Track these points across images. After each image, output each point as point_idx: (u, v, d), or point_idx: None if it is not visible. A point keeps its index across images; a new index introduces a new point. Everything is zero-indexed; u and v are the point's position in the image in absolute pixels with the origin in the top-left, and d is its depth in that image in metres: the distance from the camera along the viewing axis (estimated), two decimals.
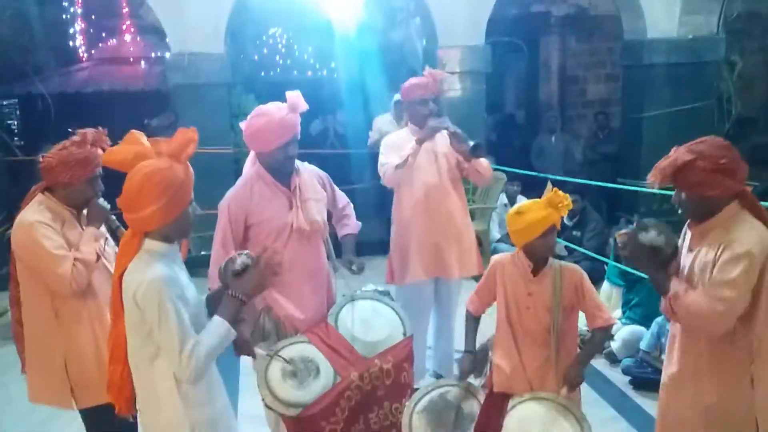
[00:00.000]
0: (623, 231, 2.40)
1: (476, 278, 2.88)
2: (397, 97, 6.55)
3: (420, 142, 3.62)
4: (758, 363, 2.13)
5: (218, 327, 2.00)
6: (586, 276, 2.65)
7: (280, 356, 2.76)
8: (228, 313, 2.03)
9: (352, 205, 3.42)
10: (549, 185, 2.64)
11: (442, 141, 3.71)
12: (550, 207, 2.51)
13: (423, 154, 3.68)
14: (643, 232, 2.31)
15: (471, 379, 2.82)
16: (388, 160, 3.68)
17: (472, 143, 3.55)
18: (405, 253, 3.79)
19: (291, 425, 2.68)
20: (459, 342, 3.91)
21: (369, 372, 2.81)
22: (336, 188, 3.34)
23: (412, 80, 3.83)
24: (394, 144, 3.75)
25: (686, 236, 2.36)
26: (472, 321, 2.88)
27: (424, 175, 3.72)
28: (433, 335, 4.04)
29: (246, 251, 2.22)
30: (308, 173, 3.12)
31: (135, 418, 2.16)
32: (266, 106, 2.93)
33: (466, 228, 3.88)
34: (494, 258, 2.81)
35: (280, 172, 2.98)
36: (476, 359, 2.81)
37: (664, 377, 2.45)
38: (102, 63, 8.94)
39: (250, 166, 3.10)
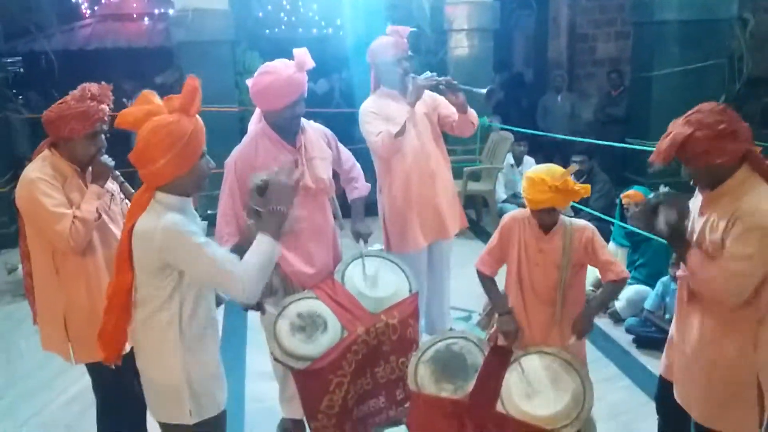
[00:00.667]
0: (635, 214, 2.40)
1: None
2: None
3: (412, 103, 3.45)
4: (763, 328, 2.14)
5: (264, 244, 2.00)
6: (596, 232, 2.65)
7: (286, 314, 2.79)
8: (271, 228, 2.03)
9: (358, 165, 3.39)
10: (572, 168, 2.52)
11: (420, 101, 3.53)
12: (554, 192, 2.49)
13: (401, 115, 3.46)
14: (654, 215, 2.30)
15: (479, 333, 2.85)
16: (381, 128, 3.44)
17: (485, 89, 3.42)
18: (403, 222, 3.64)
19: (299, 378, 2.73)
20: (454, 301, 3.98)
21: (375, 327, 2.86)
22: (342, 148, 3.31)
23: (381, 40, 3.62)
24: (380, 111, 3.52)
25: (697, 198, 2.35)
26: (490, 281, 2.81)
27: (411, 139, 3.53)
28: (426, 296, 3.87)
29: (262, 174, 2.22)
30: (314, 132, 3.11)
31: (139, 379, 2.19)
32: (273, 64, 2.88)
33: (451, 183, 3.81)
34: (507, 215, 2.80)
35: (286, 130, 2.96)
36: (484, 314, 2.86)
37: (671, 336, 2.47)
38: (105, 20, 8.83)
39: (255, 123, 3.08)
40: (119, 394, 2.61)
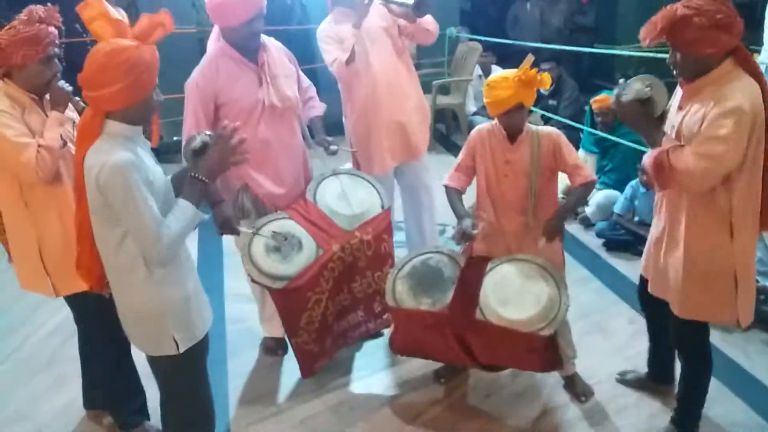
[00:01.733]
0: (612, 95, 2.34)
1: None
2: None
3: (357, 25, 3.22)
4: (737, 218, 2.17)
5: (185, 210, 1.97)
6: (563, 137, 2.64)
7: (261, 234, 2.79)
8: (193, 195, 2.00)
9: (314, 86, 3.32)
10: (528, 59, 2.50)
11: (375, 15, 3.31)
12: (518, 86, 2.46)
13: (367, 41, 3.30)
14: (625, 90, 2.26)
15: (453, 246, 2.87)
16: (334, 56, 3.26)
17: (412, 1, 3.16)
18: (367, 144, 3.47)
19: (277, 297, 2.77)
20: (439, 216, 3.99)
21: (350, 244, 2.90)
22: (299, 68, 3.22)
23: None
24: (334, 35, 3.32)
25: (676, 95, 2.33)
26: (456, 194, 2.77)
27: (369, 58, 3.33)
28: (410, 214, 3.81)
29: (207, 131, 2.17)
30: (276, 49, 3.04)
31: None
32: None
33: (419, 100, 3.57)
34: (474, 130, 2.78)
35: (246, 48, 2.88)
36: (457, 225, 2.85)
37: (650, 235, 2.50)
38: None
39: (214, 42, 2.98)
40: (102, 322, 2.60)
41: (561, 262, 2.76)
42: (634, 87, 2.26)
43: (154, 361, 2.15)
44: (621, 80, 2.37)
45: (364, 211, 3.03)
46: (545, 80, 2.50)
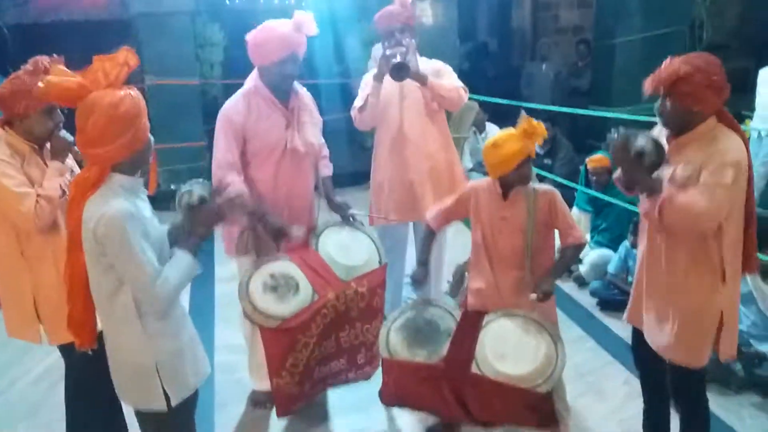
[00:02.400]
0: (615, 138, 2.38)
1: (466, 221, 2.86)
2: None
3: (378, 78, 3.30)
4: (728, 263, 2.27)
5: (182, 260, 1.97)
6: (559, 195, 2.67)
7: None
8: (189, 245, 2.01)
9: (326, 146, 3.40)
10: (522, 114, 2.59)
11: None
12: (524, 138, 2.52)
13: (394, 90, 3.39)
14: (632, 138, 2.31)
15: (448, 300, 2.89)
16: (357, 102, 3.43)
17: (392, 63, 3.15)
18: (377, 194, 3.60)
19: (268, 336, 2.79)
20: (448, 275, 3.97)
21: (345, 293, 2.93)
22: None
23: (383, 10, 3.44)
24: (366, 82, 3.45)
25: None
26: (430, 234, 2.90)
27: (393, 111, 3.44)
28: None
29: (202, 181, 2.18)
30: (307, 97, 3.18)
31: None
32: (272, 21, 2.96)
33: (448, 165, 3.53)
34: (469, 185, 2.83)
35: (279, 89, 3.01)
36: (453, 282, 2.92)
37: (639, 286, 2.54)
38: None
39: (250, 81, 3.08)
40: (93, 376, 2.57)
41: (554, 319, 2.75)
42: (640, 141, 2.29)
43: (141, 416, 2.11)
44: (613, 132, 2.43)
45: (362, 264, 3.07)
46: (543, 129, 2.56)
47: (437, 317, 2.77)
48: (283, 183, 3.06)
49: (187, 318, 2.16)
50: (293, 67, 2.97)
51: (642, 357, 2.64)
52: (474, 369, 2.52)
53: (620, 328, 4.08)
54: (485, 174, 2.77)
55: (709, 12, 7.77)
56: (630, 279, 4.35)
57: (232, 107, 3.00)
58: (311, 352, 2.86)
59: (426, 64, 3.46)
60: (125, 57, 1.91)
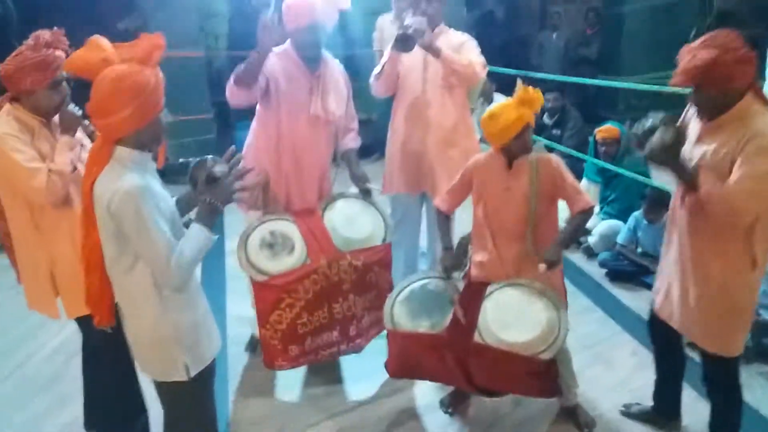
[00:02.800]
0: (636, 131, 2.36)
1: None
2: None
3: (395, 49, 3.24)
4: (759, 249, 2.24)
5: (198, 234, 1.98)
6: (562, 163, 2.66)
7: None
8: (207, 220, 2.02)
9: (357, 120, 3.46)
10: (519, 83, 2.55)
11: (442, 42, 3.30)
12: (521, 106, 2.51)
13: (414, 58, 3.33)
14: (651, 131, 2.28)
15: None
16: (376, 69, 3.42)
17: (397, 34, 3.12)
18: (390, 163, 3.62)
19: (256, 288, 2.93)
20: (425, 240, 3.99)
21: (338, 263, 3.01)
22: (351, 101, 3.39)
23: None
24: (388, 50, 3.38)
25: (691, 123, 2.38)
26: (445, 219, 2.89)
27: (411, 82, 3.44)
28: (427, 241, 3.91)
29: (213, 157, 2.18)
30: (336, 69, 3.27)
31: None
32: None
33: (462, 140, 3.48)
34: (472, 159, 2.81)
35: (306, 54, 3.10)
36: (456, 255, 2.88)
37: (664, 274, 2.52)
38: None
39: (286, 44, 3.17)
40: (110, 348, 2.60)
41: (561, 288, 2.74)
42: (661, 131, 2.24)
43: (161, 386, 2.14)
44: (633, 123, 2.40)
45: (362, 239, 3.13)
46: (541, 97, 2.54)
47: (441, 289, 2.80)
48: (301, 147, 3.15)
49: (201, 291, 2.19)
50: (318, 34, 3.05)
51: (658, 333, 2.64)
52: (476, 338, 2.55)
53: (629, 298, 4.10)
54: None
55: None
56: (639, 250, 4.37)
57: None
58: (296, 315, 2.94)
59: (450, 36, 3.44)
60: (159, 39, 1.92)
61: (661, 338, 2.65)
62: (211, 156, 2.21)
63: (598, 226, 4.73)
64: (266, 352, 3.01)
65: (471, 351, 2.56)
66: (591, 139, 5.06)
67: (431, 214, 3.72)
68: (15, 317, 4.00)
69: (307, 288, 2.93)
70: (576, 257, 4.74)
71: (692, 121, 2.38)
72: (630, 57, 7.49)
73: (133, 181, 1.87)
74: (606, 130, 4.83)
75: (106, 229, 1.93)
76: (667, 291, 2.52)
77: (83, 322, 2.60)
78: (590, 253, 4.75)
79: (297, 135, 3.13)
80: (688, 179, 2.23)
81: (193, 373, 2.07)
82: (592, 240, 4.75)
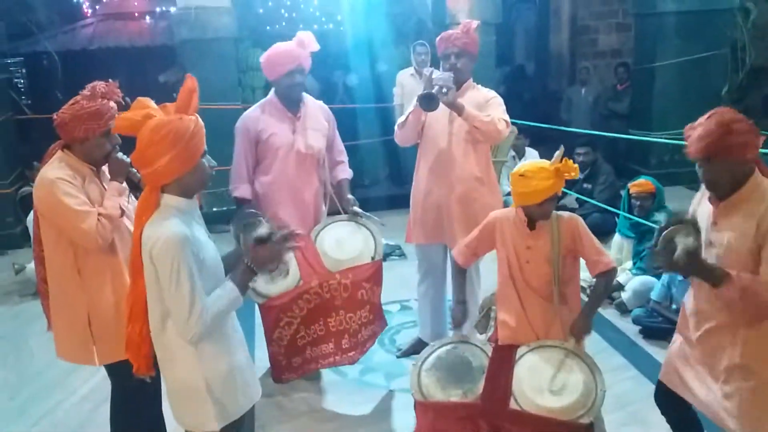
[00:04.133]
0: (655, 249, 2.27)
1: None
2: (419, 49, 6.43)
3: (420, 104, 3.32)
4: None
5: (230, 293, 2.01)
6: (582, 222, 2.63)
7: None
8: (242, 280, 2.05)
9: (346, 154, 3.78)
10: (560, 150, 2.51)
11: (467, 97, 3.40)
12: (556, 176, 2.48)
13: (439, 111, 3.35)
14: (670, 246, 2.20)
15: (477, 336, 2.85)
16: (401, 119, 3.53)
17: (422, 93, 3.22)
18: (414, 213, 3.68)
19: (261, 310, 3.31)
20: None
21: (329, 283, 3.33)
22: (337, 135, 3.72)
23: (444, 33, 3.55)
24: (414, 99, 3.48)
25: (701, 207, 2.37)
26: (460, 271, 2.87)
27: (436, 134, 3.50)
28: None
29: (267, 219, 2.26)
30: (315, 107, 3.60)
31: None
32: (280, 42, 3.44)
33: (483, 196, 3.50)
34: (492, 214, 2.80)
35: (288, 98, 3.46)
36: (480, 316, 2.86)
37: (687, 355, 2.44)
38: (107, 19, 8.81)
39: (269, 96, 3.57)
40: (139, 397, 2.61)
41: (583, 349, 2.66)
42: (681, 242, 2.18)
43: None
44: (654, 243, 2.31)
45: (351, 258, 3.41)
46: (577, 169, 2.52)
47: (468, 354, 2.70)
48: (290, 180, 3.47)
49: (242, 342, 2.20)
50: (299, 77, 3.41)
51: (669, 404, 2.56)
52: (513, 405, 2.46)
53: (663, 356, 3.98)
54: None
55: (750, 35, 7.66)
56: (674, 306, 4.28)
57: (248, 115, 3.49)
58: (295, 331, 3.29)
59: (479, 93, 3.50)
60: (192, 84, 1.99)
61: (674, 410, 2.57)
62: (265, 218, 2.32)
63: (632, 281, 4.65)
64: (274, 368, 3.34)
65: (507, 419, 2.46)
66: (624, 193, 5.02)
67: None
68: (46, 363, 4.04)
69: (301, 306, 3.28)
70: (609, 313, 4.64)
71: (701, 206, 2.36)
72: (661, 112, 7.48)
73: (176, 228, 1.91)
74: (640, 184, 4.80)
75: (149, 276, 1.97)
76: (689, 377, 2.43)
77: (113, 369, 2.61)
78: (623, 309, 4.65)
79: (289, 173, 3.46)
80: (718, 281, 2.17)
81: (222, 425, 2.06)
82: (625, 296, 4.66)
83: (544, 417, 2.40)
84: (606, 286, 2.67)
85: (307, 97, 3.58)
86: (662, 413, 2.70)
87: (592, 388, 2.44)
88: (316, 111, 3.59)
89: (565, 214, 2.67)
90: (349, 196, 3.62)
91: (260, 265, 2.08)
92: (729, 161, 2.16)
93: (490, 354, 2.68)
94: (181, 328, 1.94)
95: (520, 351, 2.60)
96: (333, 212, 3.66)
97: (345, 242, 3.46)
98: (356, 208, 3.57)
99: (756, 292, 2.11)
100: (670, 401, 2.56)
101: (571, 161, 2.50)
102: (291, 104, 3.47)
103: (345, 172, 3.72)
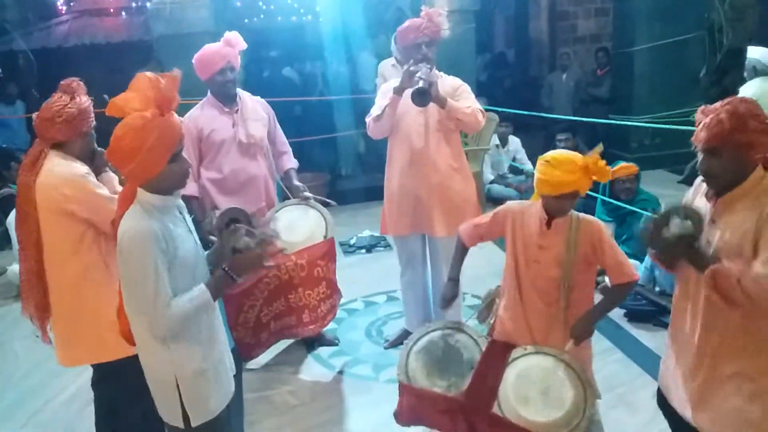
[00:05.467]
0: (644, 227, 2.16)
1: None
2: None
3: (398, 91, 3.34)
4: None
5: (200, 295, 1.98)
6: (605, 229, 2.46)
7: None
8: (216, 287, 2.03)
9: (288, 145, 3.95)
10: (599, 147, 2.34)
11: (440, 88, 3.34)
12: (583, 173, 2.29)
13: (409, 102, 3.30)
14: (664, 226, 2.09)
15: (475, 326, 2.76)
16: (374, 109, 3.51)
17: (413, 89, 3.18)
18: (389, 205, 3.69)
19: (224, 298, 3.30)
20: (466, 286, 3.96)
21: (285, 265, 3.51)
22: (279, 127, 3.88)
23: (407, 22, 3.51)
24: (388, 90, 3.47)
25: (695, 204, 2.23)
26: (461, 250, 2.73)
27: (409, 125, 3.47)
28: (431, 283, 3.88)
29: (253, 218, 2.23)
30: (253, 101, 3.77)
31: None
32: (209, 44, 3.61)
33: (458, 184, 3.54)
34: (505, 205, 2.63)
35: (223, 95, 3.62)
36: (483, 305, 2.78)
37: (675, 366, 2.29)
38: (82, 15, 8.71)
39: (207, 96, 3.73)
40: (123, 397, 2.60)
41: (588, 357, 2.57)
42: (676, 224, 2.08)
43: (169, 429, 2.13)
44: (643, 222, 2.21)
45: (304, 239, 3.59)
46: (608, 173, 2.33)
47: (461, 345, 2.60)
48: (236, 172, 3.61)
49: (218, 341, 2.17)
50: (230, 74, 3.56)
51: (671, 412, 2.44)
52: (495, 409, 2.37)
53: (649, 339, 4.04)
54: (506, 186, 2.71)
55: (728, 16, 7.68)
56: (657, 289, 4.32)
57: (188, 116, 3.60)
58: (259, 311, 3.51)
59: (445, 81, 3.48)
60: (174, 82, 1.94)
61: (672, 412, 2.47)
62: (254, 219, 2.26)
63: None
64: (242, 350, 3.51)
65: (486, 421, 2.39)
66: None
67: (434, 256, 3.75)
68: (32, 365, 4.01)
69: (262, 290, 3.49)
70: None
71: (696, 203, 2.24)
72: (641, 96, 7.53)
73: (141, 224, 1.90)
74: (625, 167, 4.80)
75: (119, 265, 1.96)
76: (679, 387, 2.29)
77: (112, 370, 2.61)
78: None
79: (235, 164, 3.61)
80: (706, 266, 2.05)
81: (195, 424, 2.05)
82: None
83: (522, 428, 2.31)
84: (620, 296, 2.54)
85: (243, 93, 3.75)
86: (664, 415, 2.62)
87: (580, 408, 2.32)
88: (253, 104, 3.76)
89: (588, 216, 2.48)
90: (297, 183, 3.78)
91: (240, 273, 2.06)
92: (734, 157, 2.03)
93: (483, 349, 2.57)
94: (147, 323, 1.95)
95: (515, 353, 2.48)
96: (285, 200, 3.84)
97: (297, 225, 3.63)
98: (306, 193, 3.73)
99: (750, 281, 1.96)
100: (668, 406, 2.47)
101: (606, 165, 2.32)
102: (227, 100, 3.63)
103: (290, 162, 3.89)
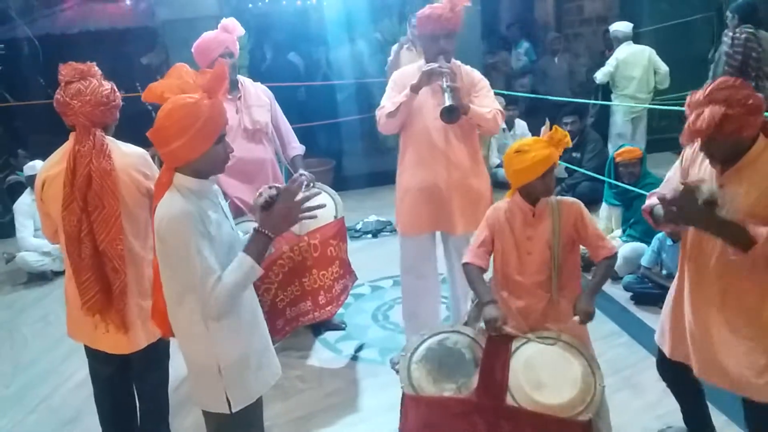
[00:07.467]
0: (672, 195, 2.17)
1: None
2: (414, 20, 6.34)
3: (414, 89, 3.19)
4: None
5: (242, 263, 1.96)
6: (584, 207, 2.56)
7: None
8: (255, 249, 1.99)
9: (293, 132, 3.96)
10: (547, 123, 2.48)
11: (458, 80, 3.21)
12: (551, 145, 2.42)
13: (427, 96, 3.24)
14: (695, 190, 2.14)
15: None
16: (386, 102, 3.34)
17: (441, 107, 3.04)
18: (401, 203, 3.49)
19: None
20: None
21: (299, 246, 3.53)
22: (281, 112, 3.88)
23: (426, 9, 3.21)
24: (401, 81, 3.34)
25: (698, 165, 2.33)
26: (478, 272, 2.62)
27: (426, 120, 3.29)
28: (450, 290, 3.72)
29: (273, 185, 2.15)
30: (253, 86, 3.77)
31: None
32: (207, 31, 3.59)
33: (474, 179, 3.40)
34: (490, 208, 2.68)
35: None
36: (474, 305, 2.71)
37: (686, 320, 2.41)
38: (86, 2, 8.69)
39: None
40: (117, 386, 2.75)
41: (586, 337, 2.60)
42: (707, 189, 2.14)
43: (206, 416, 2.15)
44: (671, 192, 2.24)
45: (315, 219, 3.42)
46: (569, 138, 2.48)
47: (461, 345, 2.55)
48: (243, 157, 3.53)
49: (260, 325, 2.18)
50: (229, 60, 3.47)
51: (670, 370, 2.56)
52: (509, 400, 2.34)
53: (655, 322, 4.00)
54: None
55: None
56: (664, 272, 4.31)
57: None
58: (274, 295, 3.49)
59: (464, 73, 3.35)
60: (223, 70, 1.97)
61: (676, 377, 2.57)
62: (268, 186, 2.14)
63: (621, 248, 4.67)
64: None
65: (503, 415, 2.34)
66: (608, 162, 5.00)
67: (451, 256, 3.54)
68: (41, 351, 4.05)
69: (276, 272, 3.46)
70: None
71: (699, 164, 2.31)
72: None
73: (182, 207, 1.91)
74: (627, 151, 4.80)
75: (160, 255, 1.97)
76: (687, 336, 2.41)
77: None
78: (614, 276, 4.68)
79: (241, 152, 3.39)
80: (734, 232, 2.11)
81: (236, 409, 2.06)
82: (615, 263, 4.69)
83: (542, 414, 2.30)
84: (608, 270, 2.58)
85: (244, 78, 3.76)
86: (664, 380, 2.71)
87: (590, 383, 2.34)
88: (255, 89, 3.76)
89: (565, 198, 2.59)
90: (304, 173, 3.69)
91: (275, 228, 2.02)
92: (729, 140, 2.11)
93: (483, 345, 2.52)
94: (201, 302, 1.93)
95: (516, 343, 2.48)
96: None
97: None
98: (309, 175, 3.70)
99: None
100: (671, 371, 2.56)
101: (561, 128, 2.46)
102: (230, 86, 3.53)
103: (296, 149, 3.89)
